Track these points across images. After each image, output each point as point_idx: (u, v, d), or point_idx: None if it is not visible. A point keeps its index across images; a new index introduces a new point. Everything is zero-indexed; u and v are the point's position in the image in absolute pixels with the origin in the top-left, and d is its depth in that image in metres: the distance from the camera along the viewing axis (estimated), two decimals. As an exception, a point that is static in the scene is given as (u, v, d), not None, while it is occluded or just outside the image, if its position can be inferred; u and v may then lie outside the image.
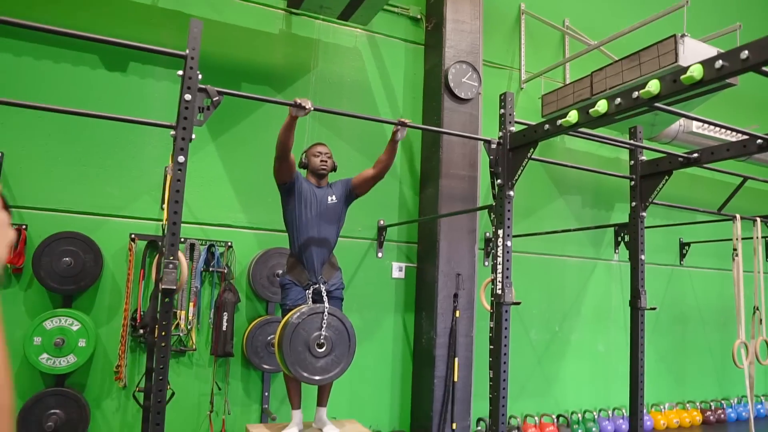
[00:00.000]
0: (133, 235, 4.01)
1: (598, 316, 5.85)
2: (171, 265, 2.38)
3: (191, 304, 4.10)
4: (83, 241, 3.83)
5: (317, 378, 3.05)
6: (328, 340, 3.09)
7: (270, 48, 4.67)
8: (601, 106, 2.52)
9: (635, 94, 2.46)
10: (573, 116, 2.68)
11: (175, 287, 2.37)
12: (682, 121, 5.38)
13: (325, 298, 3.20)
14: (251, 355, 4.16)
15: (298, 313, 3.07)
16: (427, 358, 4.63)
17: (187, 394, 4.10)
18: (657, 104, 2.75)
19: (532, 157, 3.28)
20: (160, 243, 4.04)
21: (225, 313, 4.12)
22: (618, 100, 2.46)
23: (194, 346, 4.10)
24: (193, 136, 2.56)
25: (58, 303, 3.86)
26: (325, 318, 3.10)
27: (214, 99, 2.61)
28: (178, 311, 4.06)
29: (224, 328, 4.10)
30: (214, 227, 4.35)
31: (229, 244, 4.30)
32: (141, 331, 3.83)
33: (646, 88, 2.39)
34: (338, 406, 4.49)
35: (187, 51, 2.55)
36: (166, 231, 2.44)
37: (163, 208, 4.21)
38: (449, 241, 4.69)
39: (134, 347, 4.00)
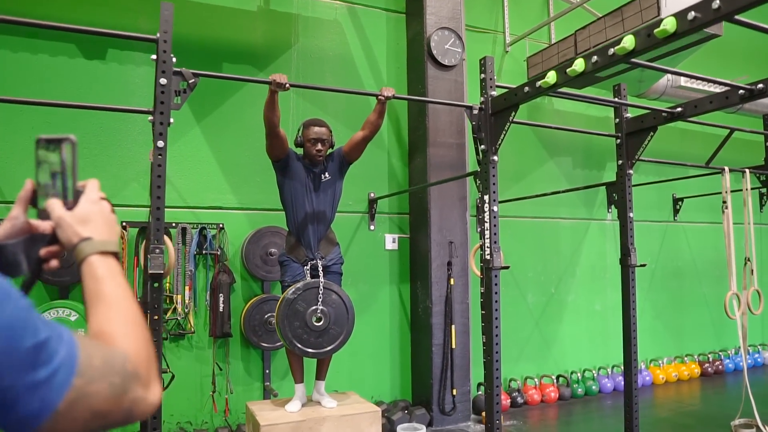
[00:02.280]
0: (124, 223, 4.02)
1: (593, 276, 5.90)
2: (157, 250, 2.40)
3: (187, 287, 4.13)
4: (74, 232, 3.84)
5: (316, 352, 3.10)
6: (325, 314, 3.13)
7: (249, 26, 4.61)
8: (578, 65, 2.50)
9: (611, 50, 2.44)
10: (551, 77, 2.66)
11: (162, 272, 2.39)
12: (669, 75, 5.33)
13: (321, 273, 3.22)
14: (249, 334, 4.21)
15: (293, 289, 3.10)
16: (424, 327, 4.69)
17: (189, 376, 4.17)
18: (638, 60, 2.73)
19: (521, 121, 3.27)
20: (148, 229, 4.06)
21: (221, 295, 4.16)
22: (595, 58, 2.44)
23: (192, 329, 4.14)
24: (171, 120, 2.55)
25: (55, 295, 3.90)
26: (321, 292, 3.14)
27: (190, 81, 2.59)
28: (174, 295, 4.10)
29: (221, 309, 4.15)
30: (205, 210, 4.36)
31: (221, 225, 4.32)
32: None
33: (621, 44, 2.37)
34: (339, 380, 4.57)
35: (159, 34, 2.52)
36: (150, 216, 2.45)
37: (152, 194, 4.24)
38: (440, 210, 4.71)
39: (134, 333, 4.05)
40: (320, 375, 3.44)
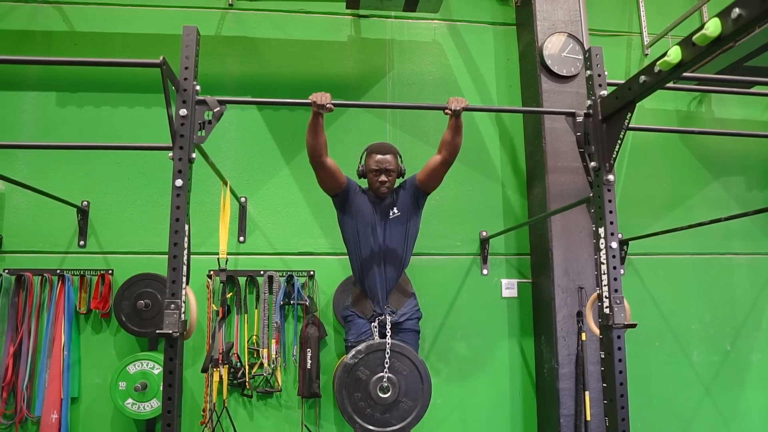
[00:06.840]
0: (211, 272, 3.84)
1: (788, 328, 4.50)
2: (173, 305, 2.03)
3: (273, 341, 3.80)
4: (160, 282, 3.73)
5: (380, 430, 2.49)
6: (393, 384, 2.52)
7: (339, 57, 4.32)
8: (712, 27, 1.69)
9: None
10: (674, 54, 1.86)
11: (173, 331, 2.00)
12: None
13: (389, 332, 2.65)
14: (340, 394, 3.72)
15: (354, 352, 2.57)
16: (550, 393, 3.82)
17: (278, 439, 3.78)
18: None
19: (643, 126, 2.46)
20: (234, 278, 3.81)
21: (309, 350, 3.75)
22: (736, 11, 1.62)
23: (279, 387, 3.77)
24: (193, 156, 2.22)
25: (144, 346, 3.80)
26: (387, 356, 2.56)
27: (215, 110, 2.25)
28: (261, 349, 3.79)
29: (308, 366, 3.73)
30: (295, 256, 4.04)
31: (311, 273, 3.95)
32: (204, 374, 3.60)
33: (781, -14, 1.54)
34: (450, 452, 3.88)
35: (181, 60, 2.23)
36: (167, 265, 2.10)
37: (240, 241, 4.03)
38: (564, 249, 3.87)
39: (220, 388, 3.78)
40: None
